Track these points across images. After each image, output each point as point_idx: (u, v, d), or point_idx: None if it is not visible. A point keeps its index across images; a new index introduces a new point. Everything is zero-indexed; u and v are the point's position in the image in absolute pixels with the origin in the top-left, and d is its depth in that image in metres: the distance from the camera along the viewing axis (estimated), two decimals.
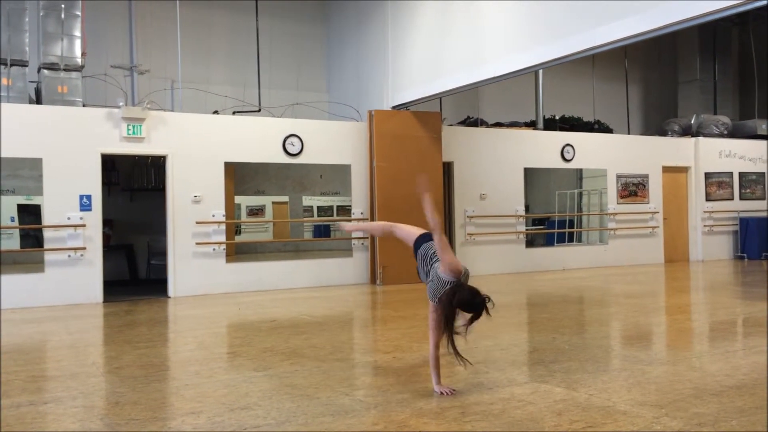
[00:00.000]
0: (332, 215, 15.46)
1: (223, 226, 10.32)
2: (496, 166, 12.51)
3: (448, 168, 12.02)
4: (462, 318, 4.30)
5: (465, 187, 12.20)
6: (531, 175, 13.26)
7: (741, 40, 17.50)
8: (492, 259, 12.35)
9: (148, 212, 11.57)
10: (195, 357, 5.65)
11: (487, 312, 4.17)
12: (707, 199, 14.81)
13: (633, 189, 14.06)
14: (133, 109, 9.72)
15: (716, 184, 14.97)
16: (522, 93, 14.28)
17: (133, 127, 9.71)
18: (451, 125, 12.71)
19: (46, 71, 9.60)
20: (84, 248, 9.30)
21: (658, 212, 14.29)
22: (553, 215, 14.35)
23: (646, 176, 14.22)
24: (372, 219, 11.13)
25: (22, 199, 10.52)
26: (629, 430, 3.50)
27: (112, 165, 11.46)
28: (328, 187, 15.49)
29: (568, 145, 13.34)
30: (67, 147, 9.29)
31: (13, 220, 10.36)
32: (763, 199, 15.55)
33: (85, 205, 9.38)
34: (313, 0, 13.26)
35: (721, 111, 16.50)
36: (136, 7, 11.66)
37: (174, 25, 10.96)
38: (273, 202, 15.63)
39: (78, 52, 9.79)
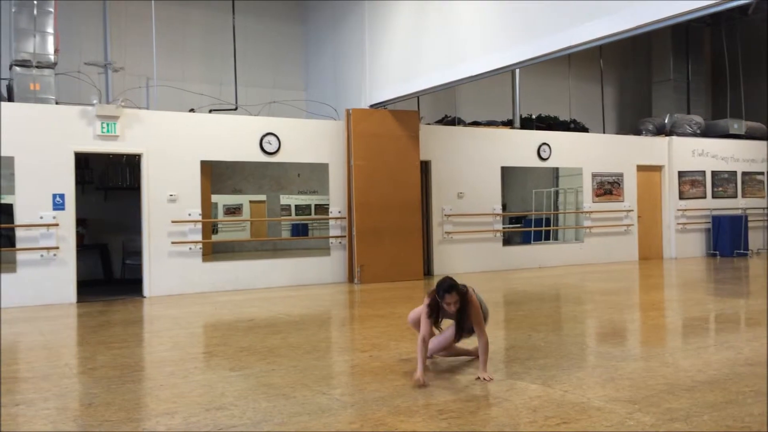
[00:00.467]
0: (310, 214, 15.43)
1: (199, 225, 10.24)
2: (473, 164, 12.57)
3: (425, 167, 12.05)
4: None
5: (442, 186, 12.25)
6: (508, 173, 13.34)
7: (713, 41, 17.78)
8: (469, 258, 12.41)
9: (123, 211, 11.44)
10: (170, 357, 5.60)
11: (458, 290, 4.67)
12: (680, 198, 15.03)
13: (608, 188, 14.22)
14: (108, 106, 9.61)
15: (689, 182, 15.20)
16: (499, 92, 14.37)
17: (108, 125, 9.59)
18: (428, 124, 12.74)
19: (18, 68, 9.44)
20: (57, 248, 9.17)
21: (632, 210, 14.46)
22: (530, 214, 14.47)
23: (621, 175, 14.38)
24: (349, 218, 11.12)
25: None
26: (603, 426, 3.54)
27: (85, 163, 11.30)
28: (305, 186, 15.45)
29: (544, 144, 13.44)
30: (39, 145, 9.15)
31: None
32: (735, 197, 15.82)
33: (58, 204, 9.24)
34: None
35: (694, 111, 16.75)
36: (111, 3, 11.53)
37: (149, 23, 10.85)
38: (250, 201, 15.55)
39: (51, 49, 9.64)
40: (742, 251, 14.83)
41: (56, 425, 3.77)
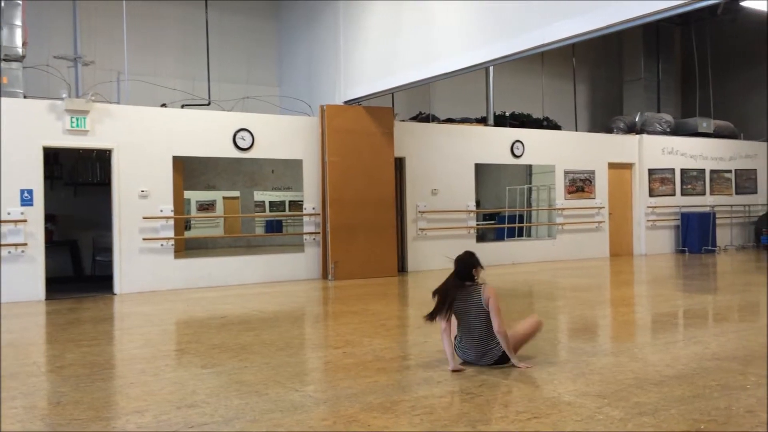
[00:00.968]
0: (284, 210, 15.35)
1: (171, 222, 10.14)
2: (447, 161, 12.62)
3: (400, 163, 12.06)
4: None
5: (417, 183, 12.27)
6: (482, 170, 13.41)
7: (683, 41, 18.06)
8: (443, 254, 12.44)
9: (93, 207, 11.27)
10: (141, 355, 5.54)
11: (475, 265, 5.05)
12: (650, 195, 15.25)
13: (580, 185, 14.37)
14: (77, 101, 9.45)
15: (659, 180, 15.43)
16: (473, 90, 14.43)
17: (77, 119, 9.44)
18: (403, 121, 12.76)
19: None
20: (25, 244, 9.01)
21: (603, 207, 14.64)
22: (504, 210, 14.57)
23: (593, 172, 14.55)
24: (323, 214, 11.09)
25: None
26: (573, 420, 3.58)
27: (55, 158, 11.11)
28: (280, 182, 15.36)
29: (517, 141, 13.54)
30: (7, 140, 8.96)
31: None
32: (703, 194, 16.11)
33: (26, 199, 9.07)
34: None
35: (664, 109, 17.01)
36: None
37: (120, 16, 10.69)
38: (224, 197, 15.42)
39: (19, 41, 9.44)
40: (710, 248, 15.11)
41: (24, 425, 3.71)
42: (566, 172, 14.18)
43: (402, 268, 12.07)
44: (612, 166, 14.87)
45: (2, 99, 9.10)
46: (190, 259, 10.87)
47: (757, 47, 17.19)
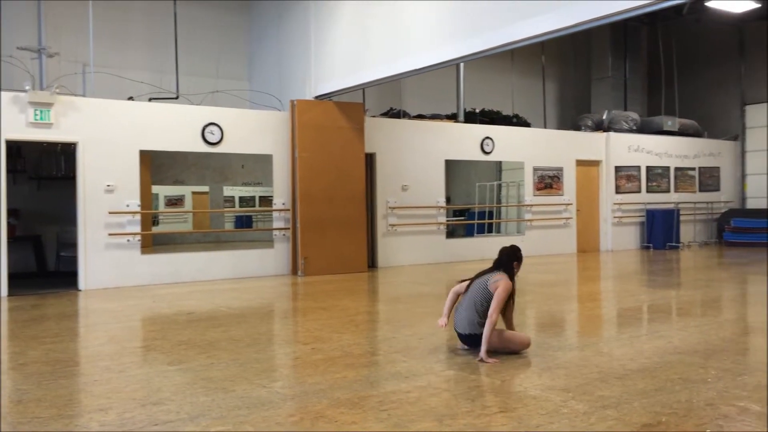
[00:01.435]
0: (254, 206, 15.25)
1: (138, 217, 9.99)
2: (418, 157, 12.65)
3: (370, 159, 12.06)
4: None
5: (387, 178, 12.28)
6: (452, 167, 13.48)
7: (650, 40, 18.35)
8: (413, 250, 12.51)
9: (58, 202, 11.05)
10: (106, 352, 5.46)
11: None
12: (617, 192, 15.49)
13: (548, 181, 14.53)
14: (41, 93, 9.26)
15: (625, 177, 15.68)
16: (444, 86, 14.48)
17: (41, 112, 9.24)
18: (373, 116, 12.74)
19: None
20: None
21: (571, 204, 14.83)
22: (473, 207, 14.65)
23: (561, 169, 14.72)
24: (293, 210, 11.04)
25: None
26: (538, 414, 3.62)
27: (18, 152, 10.87)
28: (249, 177, 15.25)
29: (487, 138, 13.63)
30: None
31: None
32: (668, 192, 16.41)
33: None
34: None
35: (630, 107, 17.27)
36: None
37: (86, 6, 10.48)
38: (193, 192, 15.26)
39: None
40: (674, 244, 15.40)
41: None
42: (535, 169, 14.32)
43: (372, 263, 12.08)
44: (580, 163, 15.06)
45: None
46: (158, 255, 10.74)
47: (720, 47, 17.57)
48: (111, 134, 9.77)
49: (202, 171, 14.84)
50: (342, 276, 10.75)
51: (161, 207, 14.43)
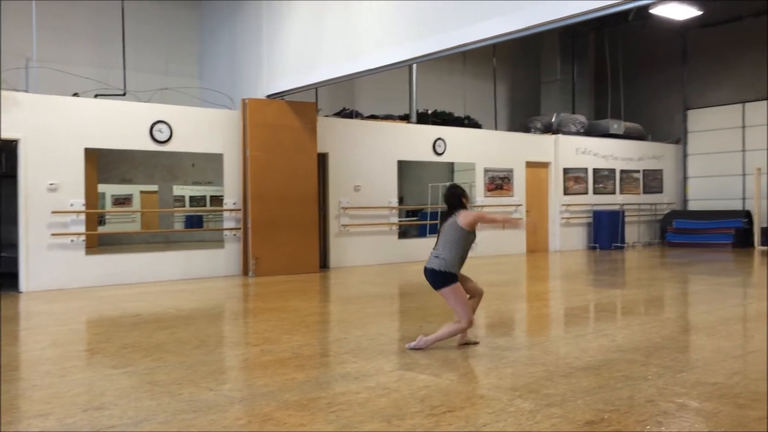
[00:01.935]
0: (205, 205, 15.03)
1: (82, 216, 9.73)
2: (370, 158, 12.66)
3: (322, 159, 12.02)
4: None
5: (340, 179, 12.26)
6: (405, 167, 13.54)
7: (597, 45, 18.81)
8: (365, 250, 12.52)
9: None
10: (47, 356, 5.30)
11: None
12: (565, 193, 15.82)
13: (499, 183, 14.74)
14: None
15: (573, 179, 16.03)
16: (397, 87, 14.54)
17: None
18: (326, 116, 12.71)
19: None
20: None
21: (521, 205, 15.07)
22: (426, 207, 14.75)
23: (511, 171, 14.95)
24: (244, 210, 10.92)
25: None
26: (485, 413, 3.67)
27: None
28: (200, 177, 15.02)
29: (439, 139, 13.74)
30: None
31: None
32: (613, 193, 16.84)
33: None
34: None
35: (578, 110, 17.66)
36: None
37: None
38: (141, 191, 14.95)
39: None
40: (619, 244, 15.82)
41: None
42: (486, 170, 14.51)
43: (324, 264, 12.04)
44: (529, 165, 15.32)
45: None
46: (103, 256, 10.48)
47: (664, 53, 18.12)
48: (55, 131, 9.49)
49: (151, 170, 14.55)
50: (294, 276, 10.68)
51: (108, 206, 14.09)
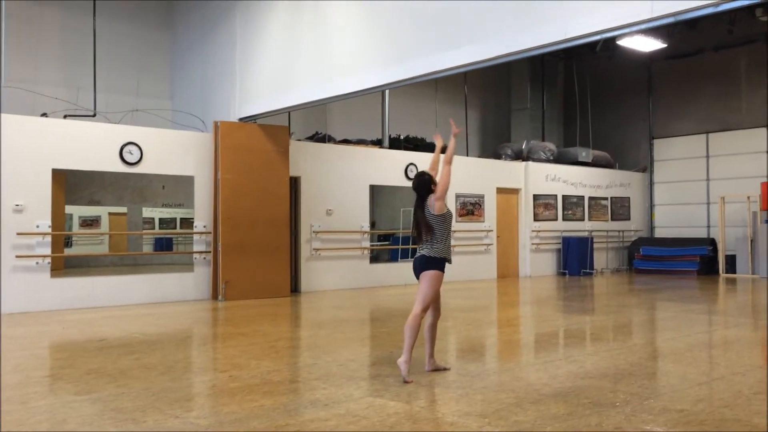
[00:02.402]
0: (175, 228, 14.87)
1: (48, 238, 9.55)
2: (342, 182, 12.68)
3: (294, 182, 12.00)
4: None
5: (311, 202, 12.24)
6: (377, 192, 13.58)
7: (566, 74, 19.20)
8: (337, 275, 12.47)
9: None
10: (8, 381, 5.15)
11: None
12: (535, 219, 15.99)
13: (470, 208, 14.86)
14: None
15: (543, 205, 16.22)
16: (369, 112, 14.64)
17: None
18: (299, 140, 12.73)
19: None
20: None
21: (492, 230, 15.19)
22: (398, 231, 14.79)
23: (482, 196, 15.09)
24: (215, 233, 10.83)
25: None
26: None
27: None
28: (170, 199, 14.88)
29: (411, 164, 13.83)
30: None
31: None
32: (582, 220, 17.08)
33: None
34: (157, 2, 12.76)
35: (548, 138, 17.96)
36: None
37: None
38: (110, 213, 14.74)
39: None
40: (588, 270, 16.01)
41: None
42: (457, 196, 14.62)
43: (295, 288, 11.96)
44: (500, 191, 15.48)
45: None
46: (69, 278, 10.29)
47: (631, 83, 18.57)
48: (22, 152, 9.35)
49: (120, 191, 14.38)
50: (264, 301, 10.59)
51: (75, 228, 13.87)
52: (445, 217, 5.28)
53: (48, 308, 9.41)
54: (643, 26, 5.94)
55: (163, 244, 14.95)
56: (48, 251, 9.55)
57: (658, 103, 18.25)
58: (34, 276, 9.40)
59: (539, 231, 16.02)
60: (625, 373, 5.38)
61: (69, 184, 12.69)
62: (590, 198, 17.30)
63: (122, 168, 10.31)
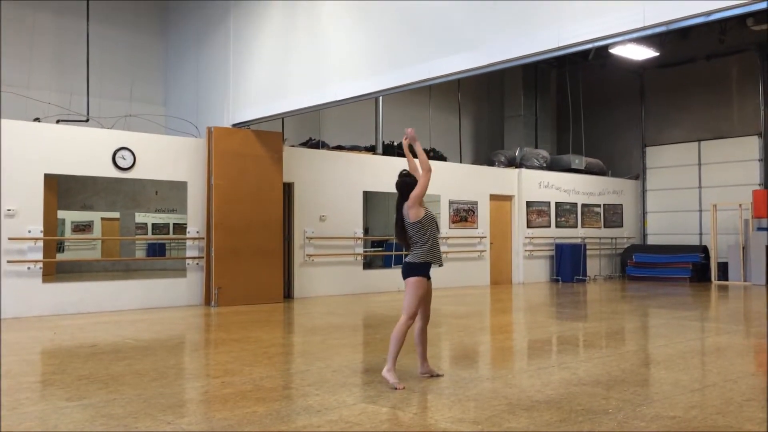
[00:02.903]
0: (168, 233, 14.82)
1: (40, 243, 9.51)
2: (336, 188, 12.68)
3: (288, 188, 11.99)
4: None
5: (305, 208, 12.24)
6: (371, 198, 13.58)
7: (559, 82, 19.28)
8: (330, 281, 12.46)
9: None
10: None
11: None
12: (528, 226, 16.02)
13: (464, 215, 14.88)
14: None
15: (536, 212, 16.26)
16: (363, 118, 14.65)
17: None
18: (292, 146, 12.72)
19: None
20: None
21: (485, 237, 15.21)
22: (391, 238, 14.77)
23: (476, 203, 15.11)
24: (208, 238, 10.81)
25: None
26: None
27: None
28: (164, 204, 14.84)
29: (405, 170, 13.80)
30: None
31: None
32: (575, 227, 17.13)
33: None
34: (151, 7, 12.75)
35: (541, 145, 18.01)
36: None
37: None
38: (102, 218, 14.69)
39: None
40: (581, 277, 16.05)
41: None
42: (451, 202, 14.64)
43: (288, 294, 11.94)
44: (493, 197, 15.51)
45: None
46: (61, 284, 10.24)
47: (623, 91, 18.66)
48: (14, 156, 9.31)
49: (113, 197, 14.33)
50: (257, 306, 10.56)
51: (68, 233, 13.81)
52: (423, 223, 5.21)
53: (39, 313, 9.36)
54: (636, 35, 5.99)
55: (156, 250, 14.91)
56: (40, 256, 9.50)
57: (650, 111, 18.35)
58: (26, 281, 9.34)
59: (532, 238, 16.05)
60: (617, 380, 5.38)
61: (61, 189, 12.64)
62: (583, 205, 17.35)
63: (115, 173, 10.28)
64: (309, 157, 12.48)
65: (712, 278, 15.87)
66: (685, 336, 7.86)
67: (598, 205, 17.73)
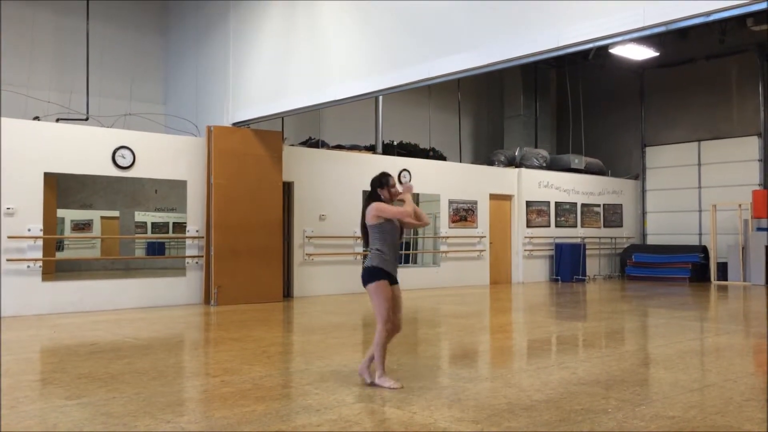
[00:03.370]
0: (168, 232, 14.84)
1: (39, 242, 9.51)
2: (336, 187, 12.68)
3: (288, 188, 11.99)
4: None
5: (305, 208, 12.24)
6: None
7: (558, 82, 19.28)
8: (329, 280, 12.46)
9: None
10: None
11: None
12: (528, 226, 16.03)
13: (463, 214, 14.88)
14: None
15: (536, 211, 16.27)
16: (363, 118, 14.65)
17: None
18: (292, 145, 12.72)
19: None
20: None
21: (485, 237, 15.22)
22: None
23: (475, 203, 15.11)
24: (207, 237, 10.81)
25: None
26: None
27: None
28: (164, 203, 14.85)
29: (404, 170, 13.85)
30: None
31: None
32: (575, 226, 17.13)
33: None
34: (151, 6, 12.75)
35: (540, 145, 18.01)
36: None
37: None
38: (102, 217, 14.70)
39: None
40: (580, 277, 16.05)
41: None
42: (450, 202, 14.64)
43: (288, 293, 11.94)
44: (493, 197, 15.51)
45: None
46: (60, 282, 10.24)
47: (623, 91, 18.67)
48: (13, 155, 9.31)
49: (113, 195, 14.34)
50: (256, 305, 10.56)
51: (67, 232, 13.81)
52: (382, 227, 5.01)
53: (39, 312, 9.36)
54: (636, 35, 5.99)
55: (156, 249, 14.92)
56: (39, 255, 9.50)
57: (650, 111, 18.36)
58: (26, 280, 9.34)
59: (532, 237, 16.05)
60: (617, 380, 5.39)
61: (61, 188, 12.65)
62: (583, 205, 17.35)
63: (115, 172, 10.28)
64: (309, 157, 12.48)
65: (712, 278, 15.88)
66: (685, 336, 7.87)
67: (598, 205, 17.73)
